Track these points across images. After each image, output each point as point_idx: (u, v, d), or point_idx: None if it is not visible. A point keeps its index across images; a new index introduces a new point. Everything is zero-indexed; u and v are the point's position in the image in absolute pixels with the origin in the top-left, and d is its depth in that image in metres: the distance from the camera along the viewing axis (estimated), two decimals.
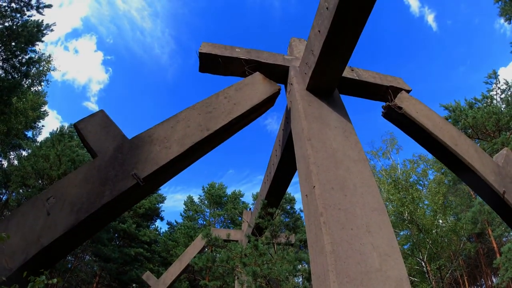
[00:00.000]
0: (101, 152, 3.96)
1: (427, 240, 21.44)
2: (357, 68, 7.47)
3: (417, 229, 21.76)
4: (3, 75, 16.33)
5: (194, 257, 11.26)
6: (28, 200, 3.62)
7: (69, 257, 28.71)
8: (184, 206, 35.83)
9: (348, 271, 3.04)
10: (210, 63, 6.40)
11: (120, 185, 3.64)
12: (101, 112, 4.54)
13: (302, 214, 35.56)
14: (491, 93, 25.46)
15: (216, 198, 34.67)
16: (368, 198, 3.99)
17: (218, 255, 9.26)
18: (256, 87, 5.82)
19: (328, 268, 3.04)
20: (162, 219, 36.10)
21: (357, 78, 7.11)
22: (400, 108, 6.92)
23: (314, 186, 3.82)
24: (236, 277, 8.95)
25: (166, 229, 37.84)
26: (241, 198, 36.22)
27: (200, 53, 6.20)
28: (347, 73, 6.95)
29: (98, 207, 3.43)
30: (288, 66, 6.72)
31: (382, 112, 7.23)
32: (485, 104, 25.16)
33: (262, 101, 5.56)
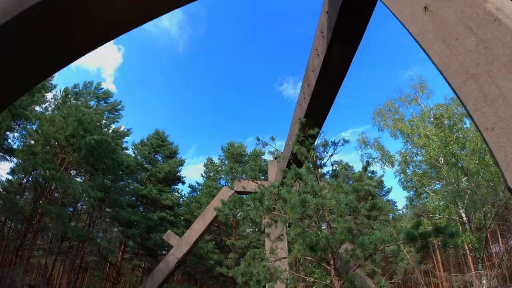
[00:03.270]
0: None
1: (472, 184, 19.05)
2: None
3: (462, 173, 19.42)
4: None
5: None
6: None
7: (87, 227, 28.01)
8: (204, 168, 34.30)
9: None
10: None
11: None
12: None
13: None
14: None
15: (237, 156, 32.79)
16: None
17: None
18: None
19: None
20: (183, 182, 34.91)
21: None
22: None
23: None
24: (273, 223, 6.98)
25: (188, 192, 36.75)
26: (262, 157, 34.31)
27: None
28: None
29: None
30: None
31: None
32: None
33: None
